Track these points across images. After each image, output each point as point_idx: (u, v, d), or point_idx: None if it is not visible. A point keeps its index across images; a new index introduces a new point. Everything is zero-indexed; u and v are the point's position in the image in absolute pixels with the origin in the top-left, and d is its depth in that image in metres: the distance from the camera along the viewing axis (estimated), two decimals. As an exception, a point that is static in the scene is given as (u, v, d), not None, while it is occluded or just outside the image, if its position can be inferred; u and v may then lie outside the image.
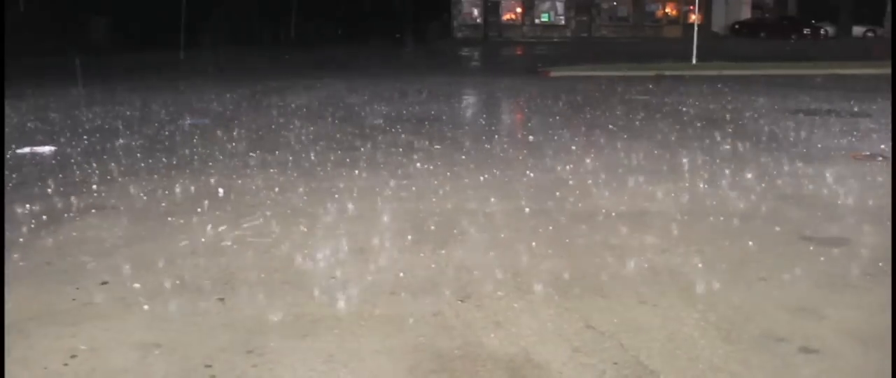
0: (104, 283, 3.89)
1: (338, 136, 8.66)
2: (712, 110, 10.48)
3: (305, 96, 13.19)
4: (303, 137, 8.57)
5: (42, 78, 17.12)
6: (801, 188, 5.84)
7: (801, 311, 3.43)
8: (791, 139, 8.05)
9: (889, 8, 42.77)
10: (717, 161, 6.89)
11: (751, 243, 4.41)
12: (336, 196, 5.73)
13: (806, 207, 5.24)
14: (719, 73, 17.10)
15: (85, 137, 8.70)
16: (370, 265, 4.12)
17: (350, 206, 5.43)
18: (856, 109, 10.44)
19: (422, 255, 4.28)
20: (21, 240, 4.67)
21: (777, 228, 4.71)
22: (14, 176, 6.64)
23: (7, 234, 4.76)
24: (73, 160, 7.32)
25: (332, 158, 7.25)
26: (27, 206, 5.52)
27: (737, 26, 48.65)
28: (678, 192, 5.71)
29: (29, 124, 9.91)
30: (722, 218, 4.99)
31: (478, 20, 48.96)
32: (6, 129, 9.32)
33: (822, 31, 45.62)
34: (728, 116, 9.83)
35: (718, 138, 8.11)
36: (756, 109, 10.56)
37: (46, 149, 7.94)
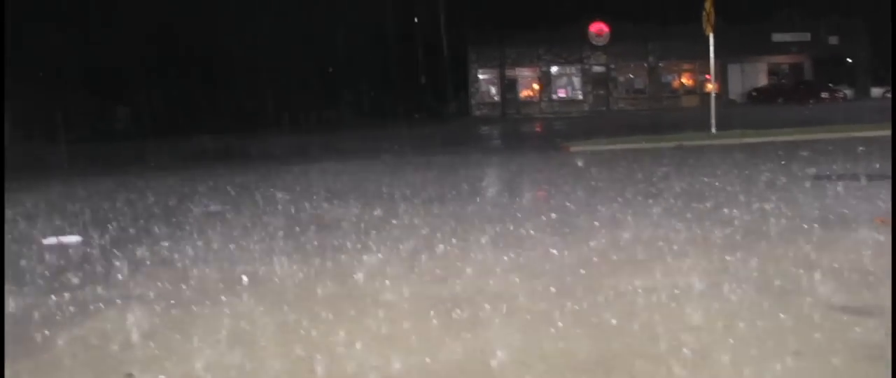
0: (129, 375, 3.86)
1: (362, 214, 8.69)
2: (734, 180, 10.43)
3: (321, 178, 13.31)
4: (324, 220, 8.61)
5: (69, 165, 17.44)
6: (828, 255, 5.74)
7: (840, 386, 3.33)
8: (815, 205, 7.97)
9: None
10: (742, 231, 6.82)
11: (782, 315, 4.32)
12: (358, 279, 5.71)
13: (835, 275, 5.14)
14: (739, 141, 17.08)
15: (109, 226, 8.79)
16: (395, 350, 4.06)
17: (372, 289, 5.40)
18: (878, 172, 10.34)
19: (447, 339, 4.23)
20: (47, 331, 4.67)
21: (808, 299, 4.62)
22: (38, 267, 6.70)
23: (31, 325, 4.78)
24: (99, 250, 7.38)
25: (353, 241, 7.26)
26: (52, 297, 5.55)
27: (754, 93, 48.85)
28: (705, 265, 5.63)
29: (55, 214, 10.04)
30: (751, 289, 4.90)
31: (495, 98, 49.58)
32: (33, 220, 9.46)
33: (839, 94, 45.67)
34: (749, 185, 9.77)
35: (741, 208, 8.04)
36: (778, 177, 10.50)
37: (73, 239, 8.02)
